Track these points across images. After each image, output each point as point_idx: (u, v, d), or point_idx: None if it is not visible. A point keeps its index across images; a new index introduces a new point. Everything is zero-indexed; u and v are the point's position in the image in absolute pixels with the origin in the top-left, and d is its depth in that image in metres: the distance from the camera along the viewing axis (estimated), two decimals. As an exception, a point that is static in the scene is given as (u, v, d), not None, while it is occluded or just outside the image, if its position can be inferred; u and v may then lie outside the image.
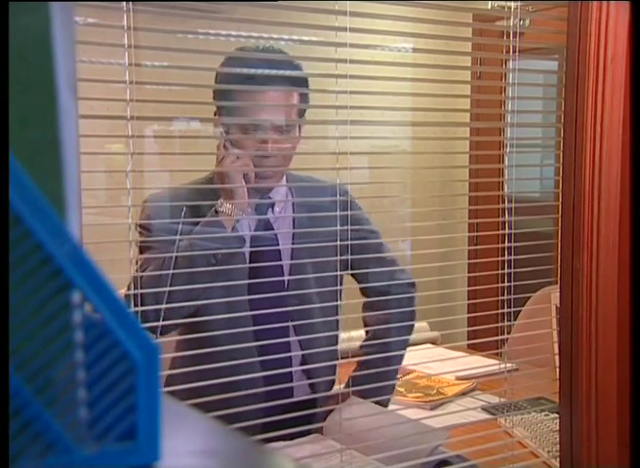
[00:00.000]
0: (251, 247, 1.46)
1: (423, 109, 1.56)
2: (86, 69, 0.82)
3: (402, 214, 2.24)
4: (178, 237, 1.31)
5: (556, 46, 1.38)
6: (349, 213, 1.36)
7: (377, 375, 1.46)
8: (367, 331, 1.61)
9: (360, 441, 1.33)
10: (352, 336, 1.58)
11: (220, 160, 1.37)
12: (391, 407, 1.51)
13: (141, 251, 1.39)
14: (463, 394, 1.75)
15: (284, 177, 1.53)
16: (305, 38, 1.38)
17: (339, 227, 1.35)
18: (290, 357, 1.46)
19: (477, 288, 1.89)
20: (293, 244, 1.50)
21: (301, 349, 1.48)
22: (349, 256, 1.39)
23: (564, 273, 1.31)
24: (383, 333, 1.53)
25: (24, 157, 0.38)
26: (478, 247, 1.61)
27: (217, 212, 1.36)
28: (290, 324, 1.45)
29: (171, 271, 1.28)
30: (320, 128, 1.80)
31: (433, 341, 2.30)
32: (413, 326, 1.61)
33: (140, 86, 1.15)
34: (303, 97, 1.48)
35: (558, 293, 1.33)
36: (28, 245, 0.37)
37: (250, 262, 1.46)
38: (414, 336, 2.28)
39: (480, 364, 1.86)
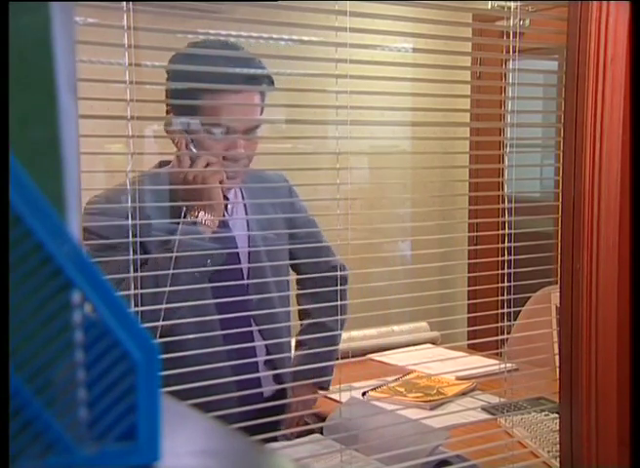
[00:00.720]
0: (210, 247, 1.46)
1: (423, 109, 1.56)
2: (86, 69, 0.82)
3: (402, 214, 2.24)
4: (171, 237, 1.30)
5: (556, 46, 1.38)
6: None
7: (316, 357, 1.48)
8: (302, 321, 1.65)
9: (360, 441, 1.33)
10: (352, 336, 1.58)
11: (183, 162, 1.35)
12: (391, 407, 1.51)
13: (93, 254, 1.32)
14: (463, 394, 1.75)
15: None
16: (305, 38, 1.38)
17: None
18: (254, 348, 1.47)
19: (477, 288, 1.89)
20: (249, 240, 1.52)
21: (264, 339, 1.49)
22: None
23: (564, 273, 1.31)
24: (319, 314, 1.57)
25: (24, 157, 0.38)
26: (478, 247, 1.61)
27: (197, 224, 1.34)
28: (252, 324, 1.46)
29: (172, 271, 1.28)
30: (320, 128, 1.80)
31: (433, 341, 2.30)
32: (345, 306, 1.59)
33: (139, 86, 1.15)
34: (264, 97, 1.48)
35: (558, 293, 1.33)
36: (28, 245, 0.37)
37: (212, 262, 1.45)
38: (414, 336, 2.29)
39: (480, 364, 1.86)
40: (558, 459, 1.36)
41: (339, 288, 1.40)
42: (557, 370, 1.36)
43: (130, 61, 1.11)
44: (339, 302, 1.39)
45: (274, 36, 1.31)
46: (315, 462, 1.31)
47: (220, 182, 1.37)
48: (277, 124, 2.16)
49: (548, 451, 1.43)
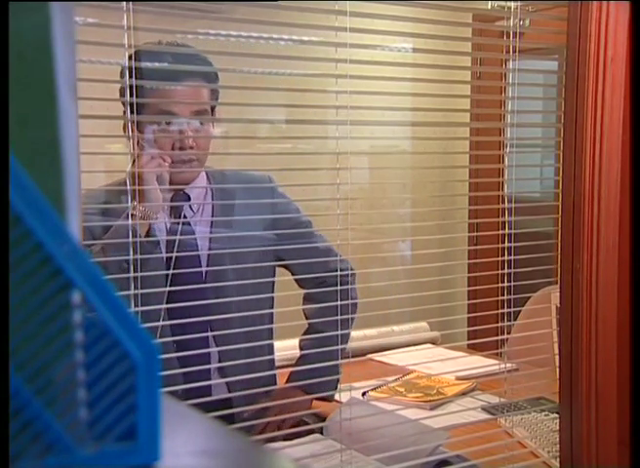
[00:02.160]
0: (167, 246, 1.44)
1: (423, 109, 1.56)
2: (86, 69, 0.82)
3: (402, 214, 2.24)
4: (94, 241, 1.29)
5: (556, 46, 1.38)
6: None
7: (318, 370, 1.43)
8: (307, 324, 1.61)
9: (360, 441, 1.33)
10: (352, 336, 1.58)
11: (133, 161, 1.35)
12: (391, 407, 1.51)
13: None
14: (463, 394, 1.75)
15: (202, 173, 1.53)
16: (305, 38, 1.38)
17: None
18: (208, 356, 1.44)
19: (477, 288, 1.89)
20: (212, 242, 1.49)
21: (218, 350, 1.45)
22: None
23: (564, 273, 1.31)
24: (322, 327, 1.51)
25: (24, 157, 0.38)
26: (478, 247, 1.61)
27: (130, 215, 1.32)
28: (209, 330, 1.42)
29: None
30: (320, 128, 1.80)
31: (433, 341, 2.30)
32: (353, 318, 1.57)
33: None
34: (214, 93, 1.50)
35: (558, 293, 1.33)
36: (28, 245, 0.37)
37: (167, 263, 1.43)
38: (414, 336, 2.29)
39: (480, 364, 1.86)
40: (558, 459, 1.36)
41: (339, 288, 1.38)
42: (557, 370, 1.36)
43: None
44: (338, 302, 1.37)
45: (274, 36, 1.31)
46: (315, 462, 1.30)
47: (161, 178, 1.35)
48: (277, 124, 2.15)
49: (548, 451, 1.42)
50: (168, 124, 1.43)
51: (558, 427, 1.37)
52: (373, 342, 2.13)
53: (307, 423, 1.52)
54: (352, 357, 1.47)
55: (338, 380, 1.51)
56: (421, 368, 1.90)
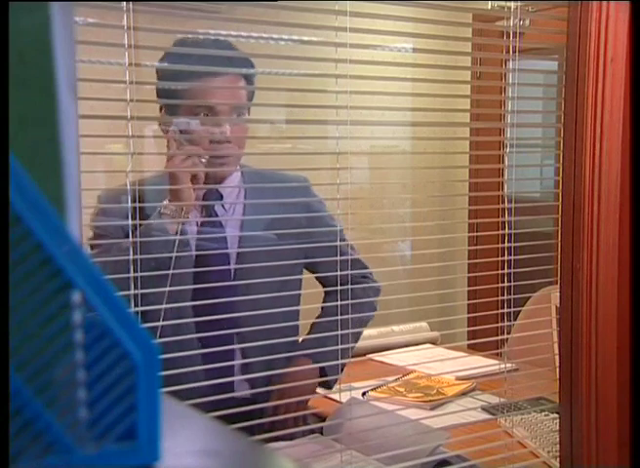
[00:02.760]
0: (197, 244, 1.43)
1: (423, 109, 1.56)
2: (86, 69, 0.82)
3: (402, 214, 2.24)
4: (119, 241, 1.28)
5: (556, 46, 1.38)
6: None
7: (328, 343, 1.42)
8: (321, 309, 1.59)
9: (360, 441, 1.33)
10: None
11: (169, 159, 1.35)
12: (391, 407, 1.51)
13: (91, 248, 1.37)
14: (463, 394, 1.75)
15: (238, 168, 1.52)
16: (305, 38, 1.38)
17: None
18: (232, 354, 1.43)
19: (477, 288, 1.89)
20: (240, 243, 1.48)
21: (242, 352, 1.45)
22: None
23: (564, 273, 1.31)
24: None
25: (24, 157, 0.38)
26: (478, 247, 1.61)
27: (161, 214, 1.33)
28: (232, 331, 1.40)
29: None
30: (320, 128, 1.80)
31: (433, 341, 2.30)
32: (368, 319, 1.58)
33: (139, 86, 1.15)
34: (250, 82, 1.49)
35: (558, 293, 1.33)
36: (28, 245, 0.37)
37: (196, 262, 1.42)
38: (414, 336, 2.29)
39: (480, 364, 1.86)
40: (558, 459, 1.36)
41: (345, 295, 1.37)
42: (557, 370, 1.36)
43: (130, 61, 1.11)
44: (341, 304, 1.36)
45: (274, 36, 1.31)
46: (315, 462, 1.30)
47: (195, 178, 1.35)
48: (277, 124, 2.15)
49: (548, 452, 1.42)
50: (205, 116, 1.42)
51: (558, 427, 1.37)
52: (373, 342, 2.13)
53: (307, 423, 1.51)
54: (352, 357, 1.47)
55: (343, 366, 1.50)
56: (421, 368, 1.90)
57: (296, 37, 1.36)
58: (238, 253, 1.48)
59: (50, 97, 0.39)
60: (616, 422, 1.25)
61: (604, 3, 1.22)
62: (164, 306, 1.28)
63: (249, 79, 1.47)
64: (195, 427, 0.47)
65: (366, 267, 1.60)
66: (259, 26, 1.31)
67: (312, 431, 1.45)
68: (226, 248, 1.47)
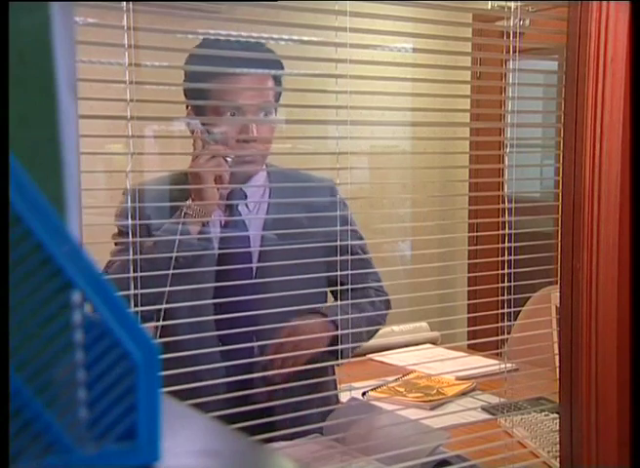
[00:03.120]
0: (220, 244, 1.43)
1: (424, 109, 1.56)
2: (86, 69, 0.82)
3: (402, 214, 2.24)
4: (140, 239, 1.28)
5: (556, 46, 1.38)
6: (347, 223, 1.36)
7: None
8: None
9: (360, 441, 1.33)
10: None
11: (194, 159, 1.35)
12: (391, 407, 1.51)
13: (120, 234, 1.38)
14: (463, 394, 1.75)
15: (264, 168, 1.51)
16: (305, 38, 1.38)
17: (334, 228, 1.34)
18: (252, 349, 1.42)
19: (477, 288, 1.89)
20: (262, 242, 1.47)
21: (261, 355, 1.42)
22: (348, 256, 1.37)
23: (564, 273, 1.31)
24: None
25: (24, 157, 0.38)
26: (478, 247, 1.61)
27: (183, 213, 1.33)
28: (254, 339, 1.39)
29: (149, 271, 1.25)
30: (320, 128, 1.80)
31: (433, 341, 2.31)
32: (377, 329, 1.58)
33: (139, 86, 1.15)
34: (278, 82, 1.48)
35: (558, 293, 1.33)
36: (28, 245, 0.37)
37: (219, 260, 1.41)
38: (414, 336, 2.29)
39: (480, 364, 1.86)
40: (558, 459, 1.36)
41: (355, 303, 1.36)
42: (557, 370, 1.36)
43: (130, 61, 1.11)
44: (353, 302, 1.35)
45: (274, 36, 1.31)
46: (315, 462, 1.30)
47: (220, 178, 1.35)
48: (277, 124, 2.15)
49: (548, 452, 1.42)
50: (232, 115, 1.42)
51: (558, 427, 1.37)
52: (373, 342, 2.12)
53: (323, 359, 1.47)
54: (352, 357, 1.47)
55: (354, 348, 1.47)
56: (421, 368, 1.90)
57: (296, 37, 1.36)
58: (260, 253, 1.46)
59: (50, 97, 0.39)
60: (616, 422, 1.25)
61: (604, 3, 1.22)
62: (185, 303, 1.30)
63: (277, 79, 1.46)
64: (195, 427, 0.47)
65: (379, 280, 1.59)
66: (259, 26, 1.31)
67: (312, 431, 1.45)
68: (249, 246, 1.46)
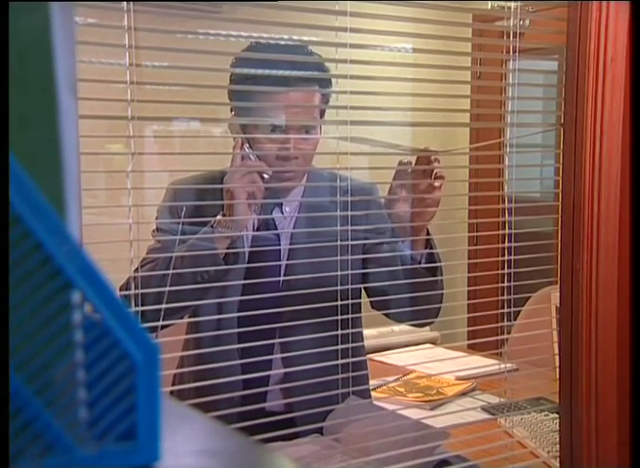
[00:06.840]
0: (251, 246, 1.42)
1: (424, 110, 1.56)
2: (86, 69, 0.82)
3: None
4: (173, 252, 1.28)
5: (556, 46, 1.37)
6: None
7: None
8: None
9: (360, 441, 1.33)
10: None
11: (234, 163, 1.33)
12: (391, 407, 1.51)
13: (158, 230, 1.38)
14: (463, 394, 1.75)
15: (305, 176, 1.49)
16: (305, 38, 1.38)
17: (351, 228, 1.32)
18: (270, 367, 1.40)
19: (477, 288, 1.89)
20: (292, 245, 1.45)
21: (283, 367, 1.41)
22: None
23: (564, 273, 1.31)
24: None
25: (24, 157, 0.38)
26: (478, 247, 1.61)
27: (213, 227, 1.30)
28: (276, 341, 1.37)
29: (170, 272, 1.26)
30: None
31: (433, 341, 2.31)
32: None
33: (140, 86, 1.15)
34: (324, 97, 1.45)
35: (558, 293, 1.33)
36: (28, 245, 0.37)
37: (247, 270, 1.40)
38: (414, 336, 2.29)
39: (480, 364, 1.86)
40: (558, 459, 1.36)
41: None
42: (557, 370, 1.36)
43: (130, 61, 1.11)
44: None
45: (274, 36, 1.31)
46: (315, 462, 1.30)
47: (253, 194, 1.31)
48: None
49: (548, 452, 1.43)
50: (272, 131, 1.38)
51: (558, 427, 1.37)
52: (373, 342, 2.13)
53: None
54: (352, 357, 1.46)
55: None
56: (421, 368, 1.90)
57: (296, 37, 1.36)
58: (289, 250, 1.44)
59: (50, 97, 0.39)
60: (616, 422, 1.25)
61: (604, 3, 1.22)
62: (214, 317, 1.31)
63: (324, 95, 1.43)
64: (195, 427, 0.47)
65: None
66: (259, 26, 1.31)
67: (312, 431, 1.45)
68: (279, 259, 1.43)
